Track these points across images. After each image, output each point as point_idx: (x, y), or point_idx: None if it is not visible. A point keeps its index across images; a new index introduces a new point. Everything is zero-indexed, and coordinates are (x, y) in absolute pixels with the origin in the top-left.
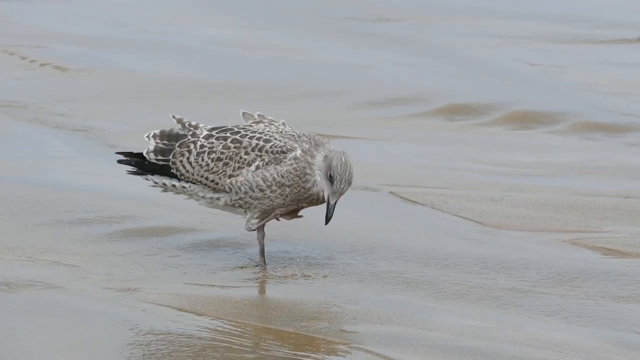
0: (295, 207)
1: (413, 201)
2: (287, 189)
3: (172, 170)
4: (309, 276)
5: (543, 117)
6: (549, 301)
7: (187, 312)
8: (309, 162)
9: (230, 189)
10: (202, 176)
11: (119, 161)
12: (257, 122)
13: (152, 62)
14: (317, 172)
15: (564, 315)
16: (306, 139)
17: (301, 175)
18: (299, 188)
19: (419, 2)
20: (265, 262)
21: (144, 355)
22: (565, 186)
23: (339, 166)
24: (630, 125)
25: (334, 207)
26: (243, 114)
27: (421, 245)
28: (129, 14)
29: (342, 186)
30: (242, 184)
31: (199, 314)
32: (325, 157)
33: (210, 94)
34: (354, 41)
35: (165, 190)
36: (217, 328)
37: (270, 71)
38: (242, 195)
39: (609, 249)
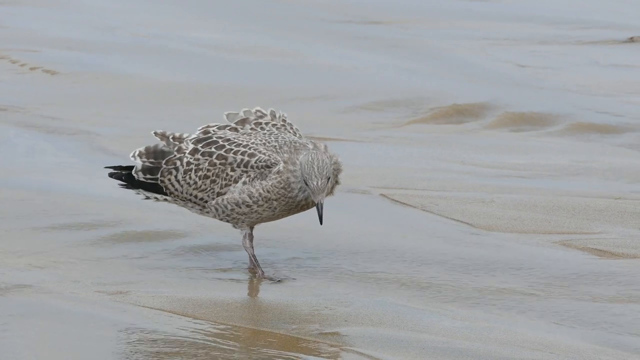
0: (288, 215)
1: (404, 203)
2: (275, 202)
3: (162, 189)
4: (300, 279)
5: (533, 119)
6: (540, 303)
7: (179, 314)
8: (291, 171)
9: (217, 209)
10: (190, 194)
11: (110, 175)
12: (243, 123)
13: (141, 66)
14: (300, 178)
15: (555, 317)
16: (287, 148)
17: (286, 187)
18: (286, 199)
19: (407, 5)
20: (259, 266)
21: (134, 358)
22: (555, 188)
23: (305, 167)
24: (620, 126)
25: (321, 206)
26: (227, 115)
27: (412, 247)
28: (118, 18)
29: (315, 183)
30: (228, 202)
31: (190, 317)
32: (300, 163)
33: (199, 97)
34: (341, 44)
35: (157, 200)
36: (209, 330)
37: (260, 74)
38: (229, 213)
39: (600, 250)
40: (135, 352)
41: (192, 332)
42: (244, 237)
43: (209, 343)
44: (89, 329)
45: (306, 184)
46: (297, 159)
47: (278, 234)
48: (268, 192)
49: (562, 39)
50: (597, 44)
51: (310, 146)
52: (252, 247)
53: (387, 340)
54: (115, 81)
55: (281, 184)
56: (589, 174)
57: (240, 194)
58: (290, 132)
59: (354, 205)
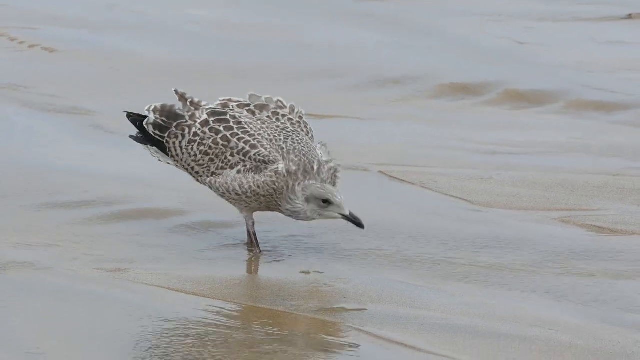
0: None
1: (402, 180)
2: (262, 197)
3: (166, 149)
4: (297, 256)
5: (531, 97)
6: (538, 279)
7: (177, 291)
8: (289, 188)
9: (211, 187)
10: (188, 165)
11: (128, 116)
12: (262, 108)
13: (140, 44)
14: (303, 208)
15: (554, 293)
16: (296, 159)
17: (278, 191)
18: (272, 199)
19: None
20: (258, 245)
21: (133, 333)
22: (554, 165)
23: (320, 190)
24: (618, 103)
25: (353, 214)
26: (250, 95)
27: (410, 224)
28: None
29: (339, 197)
30: (220, 185)
31: (189, 293)
32: (307, 198)
33: (198, 75)
34: (338, 21)
35: (160, 162)
36: (207, 307)
37: (258, 52)
38: (220, 195)
39: (598, 227)
40: (133, 327)
41: (190, 308)
42: (247, 218)
43: (207, 320)
44: (88, 306)
45: (329, 203)
46: (299, 191)
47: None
48: (258, 187)
49: (559, 15)
50: (595, 20)
51: (319, 151)
52: (253, 225)
53: (386, 316)
54: (114, 59)
55: (275, 184)
56: (588, 150)
57: (232, 182)
58: (303, 132)
59: (353, 182)
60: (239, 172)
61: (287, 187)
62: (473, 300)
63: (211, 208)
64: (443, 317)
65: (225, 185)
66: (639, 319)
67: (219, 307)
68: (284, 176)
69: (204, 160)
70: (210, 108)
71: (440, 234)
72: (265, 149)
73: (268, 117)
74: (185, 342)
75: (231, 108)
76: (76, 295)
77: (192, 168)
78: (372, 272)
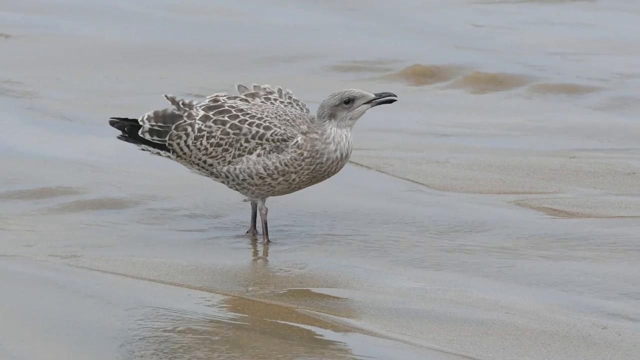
0: (305, 187)
1: (358, 164)
2: (293, 175)
3: (168, 151)
4: (255, 240)
5: (489, 80)
6: (495, 262)
7: (132, 277)
8: (317, 139)
9: (227, 176)
10: (199, 159)
11: (112, 123)
12: (253, 96)
13: (94, 28)
14: (332, 128)
15: (511, 277)
16: (300, 120)
17: (314, 155)
18: (315, 165)
19: None
20: (268, 236)
21: (88, 318)
22: (510, 147)
23: (333, 98)
24: (574, 86)
25: (378, 94)
26: (238, 86)
27: (366, 208)
28: None
29: (356, 90)
30: (240, 172)
31: (144, 279)
32: (330, 115)
33: (153, 59)
34: (299, 5)
35: (160, 155)
36: (160, 291)
37: (214, 35)
38: (239, 182)
39: (555, 210)
40: (91, 313)
41: (148, 294)
42: (261, 206)
43: (162, 306)
44: (43, 291)
45: (349, 102)
46: (318, 128)
47: (236, 199)
48: (286, 165)
49: None
50: (552, 2)
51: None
52: (267, 213)
53: (342, 301)
54: (68, 44)
55: (303, 155)
56: (544, 133)
57: (255, 165)
58: (297, 109)
59: None
60: (259, 155)
61: (316, 140)
62: (429, 285)
63: (167, 196)
64: (400, 301)
65: (247, 170)
66: (596, 302)
67: (176, 293)
68: (304, 140)
69: (217, 152)
70: (203, 104)
71: (396, 218)
72: (279, 127)
73: (262, 102)
74: (141, 327)
75: (223, 100)
76: (29, 279)
77: (205, 161)
78: (329, 257)
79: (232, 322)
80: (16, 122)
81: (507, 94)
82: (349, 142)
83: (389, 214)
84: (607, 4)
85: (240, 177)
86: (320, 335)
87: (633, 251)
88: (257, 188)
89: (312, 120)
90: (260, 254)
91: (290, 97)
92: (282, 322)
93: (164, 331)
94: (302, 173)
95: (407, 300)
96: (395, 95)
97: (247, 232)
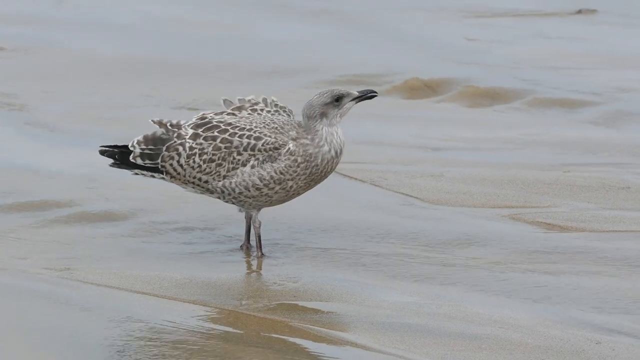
0: (304, 192)
1: (353, 177)
2: (290, 182)
3: (162, 173)
4: (249, 254)
5: (485, 94)
6: (489, 277)
7: (126, 290)
8: (308, 144)
9: (223, 191)
10: (194, 177)
11: (102, 152)
12: (239, 109)
13: (88, 40)
14: (324, 128)
15: (504, 291)
16: (289, 126)
17: (308, 159)
18: (310, 169)
19: None
20: (261, 249)
21: (82, 331)
22: (504, 161)
23: (320, 98)
24: (569, 100)
25: (360, 91)
26: (224, 101)
27: (361, 222)
28: None
29: (341, 88)
30: (236, 185)
31: (138, 292)
32: (321, 114)
33: (147, 72)
34: (291, 18)
35: (154, 178)
36: (153, 304)
37: (211, 49)
38: (235, 195)
39: (549, 224)
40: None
41: (141, 308)
42: (255, 218)
43: (155, 319)
44: (33, 303)
45: (339, 100)
46: (310, 129)
47: (229, 212)
48: (281, 173)
49: (511, 11)
50: (545, 15)
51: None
52: (260, 227)
53: (336, 315)
54: (62, 56)
55: (297, 162)
56: (538, 147)
57: (250, 177)
58: (283, 115)
59: None
60: (252, 167)
61: (307, 145)
62: (424, 299)
63: (161, 209)
64: (394, 315)
65: (243, 182)
66: (589, 317)
67: (169, 306)
68: (295, 146)
69: (210, 168)
70: (191, 122)
71: (391, 232)
72: (269, 136)
73: (249, 114)
74: (134, 340)
75: (211, 117)
76: (24, 292)
77: (200, 179)
78: (323, 271)
79: (226, 335)
80: (11, 134)
81: (502, 108)
82: (340, 138)
83: (383, 227)
84: (602, 19)
85: (237, 190)
86: (314, 349)
87: (627, 266)
88: (254, 200)
89: (299, 125)
90: (254, 267)
91: (276, 105)
92: (276, 335)
93: (157, 344)
94: (299, 179)
95: (401, 315)
96: (375, 91)
97: (241, 245)
